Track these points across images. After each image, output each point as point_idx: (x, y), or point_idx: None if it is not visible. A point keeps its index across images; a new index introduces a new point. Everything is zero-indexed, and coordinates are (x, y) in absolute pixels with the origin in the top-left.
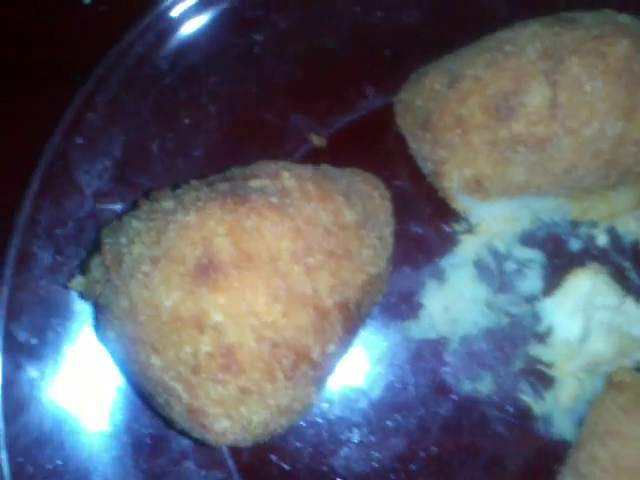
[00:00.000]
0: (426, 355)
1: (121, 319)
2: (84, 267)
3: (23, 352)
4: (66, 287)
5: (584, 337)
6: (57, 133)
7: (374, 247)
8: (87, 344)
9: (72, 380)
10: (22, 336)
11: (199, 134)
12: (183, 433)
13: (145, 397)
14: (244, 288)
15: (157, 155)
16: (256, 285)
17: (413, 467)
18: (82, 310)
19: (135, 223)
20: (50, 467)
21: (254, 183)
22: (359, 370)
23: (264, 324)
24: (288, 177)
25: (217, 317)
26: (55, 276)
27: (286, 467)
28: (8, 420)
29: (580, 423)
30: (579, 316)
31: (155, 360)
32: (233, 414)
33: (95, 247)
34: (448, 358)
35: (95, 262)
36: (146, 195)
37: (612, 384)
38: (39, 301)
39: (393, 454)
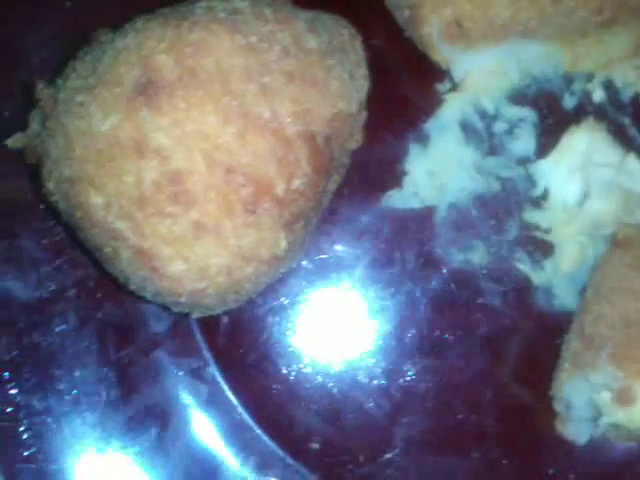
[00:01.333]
0: (412, 226)
1: (58, 161)
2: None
3: None
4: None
5: (583, 198)
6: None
7: (343, 81)
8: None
9: (31, 265)
10: None
11: None
12: (139, 297)
13: (95, 258)
14: (190, 107)
15: (107, 19)
16: (204, 103)
17: (403, 346)
18: None
19: (72, 63)
20: (7, 359)
21: (201, 4)
22: (341, 246)
23: (215, 147)
24: (240, 0)
25: (160, 139)
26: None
27: (263, 349)
28: None
29: (583, 292)
30: (577, 176)
31: (95, 198)
32: (188, 254)
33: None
34: (436, 228)
35: (34, 115)
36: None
37: (617, 242)
38: None
39: (381, 333)
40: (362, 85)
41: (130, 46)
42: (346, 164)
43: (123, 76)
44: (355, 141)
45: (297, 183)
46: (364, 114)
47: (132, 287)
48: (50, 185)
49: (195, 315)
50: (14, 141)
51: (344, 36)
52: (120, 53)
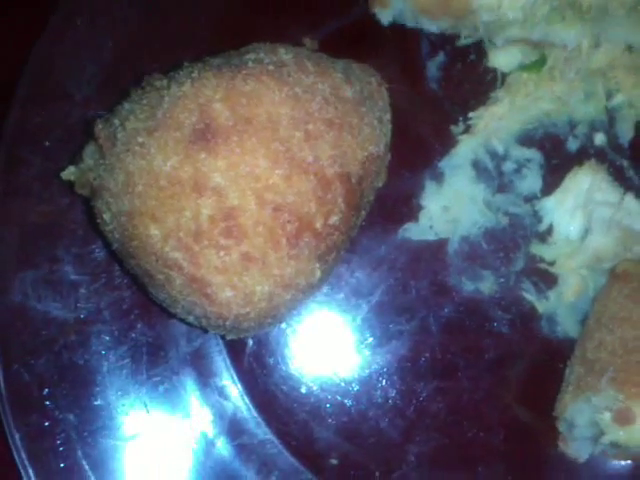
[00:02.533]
0: (426, 257)
1: (117, 195)
2: (76, 158)
3: None
4: (58, 178)
5: (585, 234)
6: (44, 39)
7: (374, 126)
8: (78, 261)
9: (70, 288)
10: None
11: (189, 38)
12: (184, 320)
13: (144, 285)
14: (243, 151)
15: (147, 59)
16: (256, 148)
17: (417, 369)
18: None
19: (127, 105)
20: (47, 376)
21: (250, 56)
22: (359, 274)
23: (265, 187)
24: (285, 52)
25: (217, 179)
26: (45, 182)
27: (286, 370)
28: (2, 327)
29: (584, 320)
30: (579, 213)
31: (154, 230)
32: (236, 282)
33: (88, 137)
34: (448, 259)
35: (88, 150)
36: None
37: (616, 275)
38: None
39: (396, 357)
40: (388, 128)
41: (187, 94)
42: (372, 200)
43: (182, 121)
44: (381, 180)
45: (334, 219)
46: (389, 155)
47: (177, 311)
48: (107, 216)
49: (230, 337)
50: (68, 173)
51: (372, 84)
52: (178, 99)
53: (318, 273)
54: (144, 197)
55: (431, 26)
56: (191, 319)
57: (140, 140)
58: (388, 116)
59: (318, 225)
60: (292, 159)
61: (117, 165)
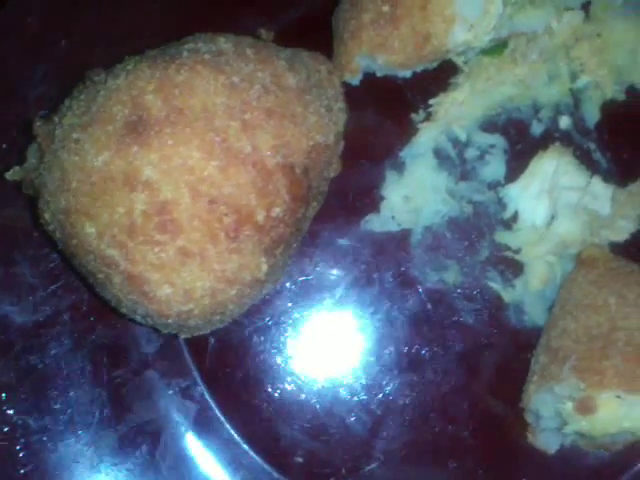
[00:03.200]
0: (389, 249)
1: (55, 193)
2: (22, 158)
3: None
4: (3, 179)
5: (551, 220)
6: None
7: (321, 115)
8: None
9: (27, 291)
10: None
11: (142, 35)
12: (130, 318)
13: (90, 285)
14: (176, 143)
15: (100, 57)
16: (189, 139)
17: (382, 363)
18: None
19: (67, 102)
20: (5, 381)
21: (187, 46)
22: (322, 268)
23: (200, 179)
24: (224, 41)
25: (149, 173)
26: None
27: (248, 368)
28: None
29: (551, 308)
30: (545, 199)
31: (89, 228)
32: (175, 279)
33: (32, 137)
34: (412, 250)
35: (31, 149)
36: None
37: (581, 261)
38: None
39: (361, 350)
40: (339, 117)
41: (121, 86)
42: (325, 191)
43: (115, 115)
44: (333, 170)
45: (277, 211)
46: (342, 144)
47: (123, 310)
48: (47, 215)
49: (183, 336)
50: (13, 173)
51: (322, 72)
52: (112, 93)
53: (264, 267)
54: (78, 194)
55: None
56: (138, 318)
57: (75, 136)
58: (340, 105)
59: (260, 218)
60: (228, 150)
61: (54, 163)
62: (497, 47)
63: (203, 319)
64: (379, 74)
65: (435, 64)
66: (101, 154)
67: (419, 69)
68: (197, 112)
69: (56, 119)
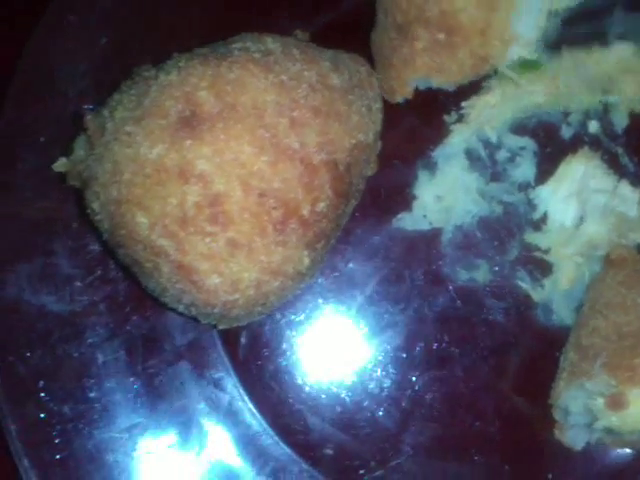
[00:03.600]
0: (420, 247)
1: (105, 184)
2: (68, 150)
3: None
4: (53, 173)
5: (579, 221)
6: (36, 35)
7: (362, 114)
8: (73, 254)
9: (64, 281)
10: None
11: (181, 32)
12: (175, 310)
13: (135, 275)
14: (228, 138)
15: (139, 54)
16: (241, 135)
17: (412, 359)
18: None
19: (116, 96)
20: (42, 369)
21: (236, 45)
22: (353, 265)
23: (250, 173)
24: (272, 41)
25: (202, 166)
26: (40, 177)
27: (280, 361)
28: None
29: (579, 308)
30: (573, 201)
31: (141, 218)
32: (223, 269)
33: (79, 130)
34: (443, 248)
35: (79, 141)
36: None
37: (610, 261)
38: None
39: (391, 347)
40: (378, 117)
41: (174, 82)
42: (362, 189)
43: (168, 109)
44: (371, 168)
45: (321, 206)
46: (379, 144)
47: (166, 300)
48: (95, 206)
49: (222, 326)
50: (59, 165)
51: (362, 73)
52: (165, 88)
53: (307, 261)
54: (130, 185)
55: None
56: (181, 308)
57: (127, 129)
58: (378, 105)
59: (305, 212)
60: (277, 145)
61: (105, 154)
62: (532, 62)
63: (246, 310)
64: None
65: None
66: (155, 147)
67: None
68: (248, 108)
69: (106, 112)
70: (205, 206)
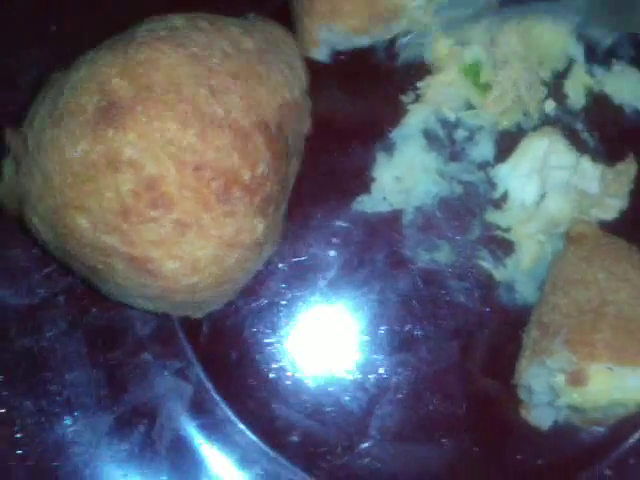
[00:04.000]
0: (381, 229)
1: (40, 196)
2: None
3: None
4: None
5: (540, 199)
6: None
7: (283, 73)
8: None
9: (22, 274)
10: None
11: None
12: (146, 309)
13: (96, 284)
14: (150, 119)
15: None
16: (162, 113)
17: (376, 342)
18: None
19: (33, 108)
20: (1, 363)
21: (141, 29)
22: (315, 250)
23: (181, 149)
24: (177, 18)
25: (130, 152)
26: None
27: (243, 349)
28: None
29: (542, 286)
30: (534, 178)
31: (81, 220)
32: (177, 252)
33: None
34: (403, 230)
35: (6, 165)
36: None
37: (571, 238)
38: None
39: (355, 329)
40: (301, 74)
41: (85, 77)
42: (302, 149)
43: (85, 104)
44: (305, 126)
45: (261, 169)
46: (309, 101)
47: (131, 300)
48: (36, 220)
49: (198, 315)
50: None
51: (276, 34)
52: (77, 84)
53: (260, 227)
54: (63, 189)
55: (365, 41)
56: (150, 306)
57: (48, 135)
58: (299, 62)
59: (246, 178)
60: (202, 117)
61: (33, 167)
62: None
63: (212, 290)
64: (340, 47)
65: (394, 32)
66: (78, 144)
67: (379, 36)
68: (164, 86)
69: (25, 126)
70: (142, 192)
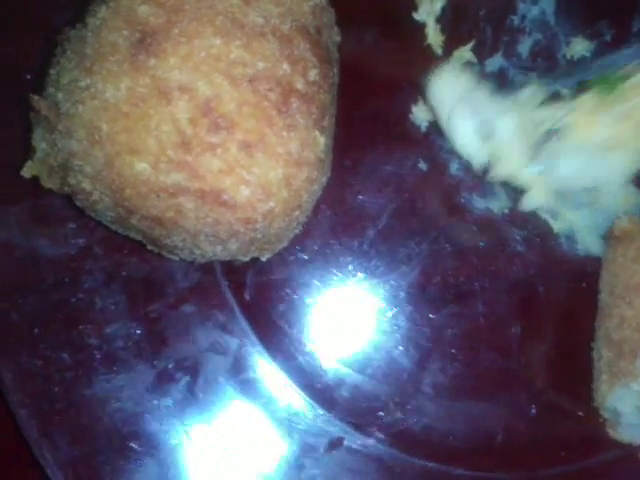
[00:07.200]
0: (434, 175)
1: (86, 154)
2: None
3: None
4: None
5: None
6: None
7: None
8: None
9: (58, 223)
10: None
11: None
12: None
13: (160, 241)
14: (191, 38)
15: None
16: (201, 30)
17: (429, 294)
18: None
19: (54, 69)
20: (36, 316)
21: None
22: (364, 197)
23: (230, 64)
24: None
25: (178, 77)
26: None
27: (289, 300)
28: None
29: (605, 236)
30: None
31: (140, 164)
32: (248, 177)
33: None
34: (457, 176)
35: (36, 136)
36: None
37: (615, 238)
38: None
39: (407, 282)
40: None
41: (108, 16)
42: (337, 57)
43: (115, 43)
44: (336, 34)
45: (312, 74)
46: (332, 10)
47: (202, 247)
48: (86, 185)
49: (266, 255)
50: (28, 170)
51: None
52: (101, 27)
53: (322, 141)
54: (113, 135)
55: None
56: (220, 251)
57: (82, 84)
58: None
59: (300, 86)
60: (243, 27)
61: (71, 125)
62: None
63: (286, 217)
64: None
65: None
66: (121, 83)
67: None
68: (194, 3)
69: (51, 89)
70: (200, 118)
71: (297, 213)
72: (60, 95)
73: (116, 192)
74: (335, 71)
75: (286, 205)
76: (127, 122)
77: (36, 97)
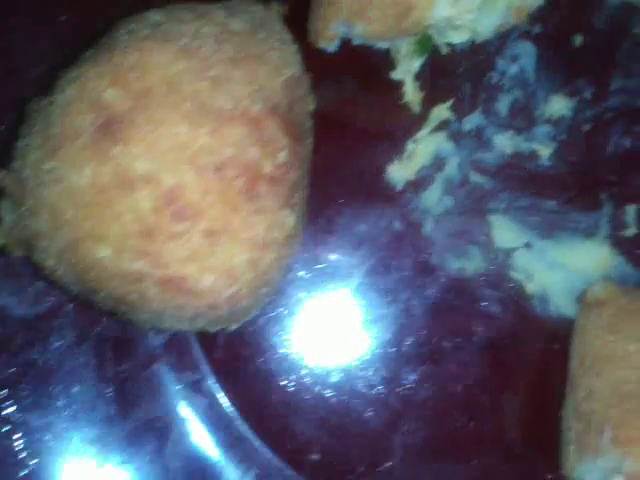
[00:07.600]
0: (408, 234)
1: (50, 234)
2: None
3: None
4: None
5: None
6: None
7: (279, 49)
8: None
9: (27, 281)
10: None
11: None
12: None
13: (127, 315)
14: (156, 125)
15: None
16: (167, 117)
17: (402, 354)
18: None
19: (21, 142)
20: (4, 377)
21: (120, 33)
22: (338, 256)
23: (196, 152)
24: (154, 13)
25: (142, 166)
26: None
27: (261, 361)
28: None
29: (579, 298)
30: None
31: (102, 251)
32: (212, 264)
33: None
34: (432, 236)
35: (4, 207)
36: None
37: (588, 305)
38: None
39: (379, 342)
40: (294, 50)
41: (74, 97)
42: (311, 127)
43: (80, 126)
44: (311, 102)
45: (281, 157)
46: (307, 76)
47: (167, 325)
48: (51, 262)
49: (234, 327)
50: None
51: (258, 12)
52: (67, 107)
53: (291, 220)
54: (76, 222)
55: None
56: (186, 326)
57: (47, 167)
58: (289, 37)
59: (268, 169)
60: (209, 112)
61: (36, 204)
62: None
63: (252, 296)
64: (356, 42)
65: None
66: (83, 170)
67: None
68: (162, 88)
69: (17, 163)
70: (164, 207)
71: (265, 290)
72: (27, 172)
73: (80, 273)
74: (308, 141)
75: (252, 285)
76: (90, 209)
77: (3, 172)
